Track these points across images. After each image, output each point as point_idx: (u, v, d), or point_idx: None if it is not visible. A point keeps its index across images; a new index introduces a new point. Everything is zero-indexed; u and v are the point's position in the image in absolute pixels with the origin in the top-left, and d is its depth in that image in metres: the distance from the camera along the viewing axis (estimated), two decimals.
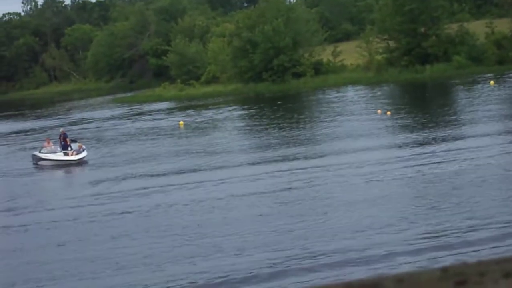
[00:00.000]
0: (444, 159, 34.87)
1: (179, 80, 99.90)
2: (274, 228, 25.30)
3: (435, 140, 40.65)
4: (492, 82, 68.66)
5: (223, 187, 33.44)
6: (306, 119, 58.74)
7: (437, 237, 22.60)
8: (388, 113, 54.98)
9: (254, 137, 51.22)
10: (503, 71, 76.20)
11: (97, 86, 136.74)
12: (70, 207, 32.30)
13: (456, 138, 40.97)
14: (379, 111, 56.70)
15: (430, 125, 46.90)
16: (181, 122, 63.22)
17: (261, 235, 24.61)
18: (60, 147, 47.39)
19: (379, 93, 74.45)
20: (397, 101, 67.76)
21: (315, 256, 21.75)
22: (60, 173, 44.82)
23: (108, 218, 29.56)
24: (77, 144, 47.62)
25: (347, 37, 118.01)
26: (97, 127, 68.03)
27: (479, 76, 75.68)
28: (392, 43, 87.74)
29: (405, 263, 20.04)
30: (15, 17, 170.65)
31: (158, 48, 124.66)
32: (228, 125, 60.55)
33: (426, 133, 43.87)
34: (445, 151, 37.00)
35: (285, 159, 39.38)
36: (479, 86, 68.98)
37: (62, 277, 22.43)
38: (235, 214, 28.10)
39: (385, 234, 23.36)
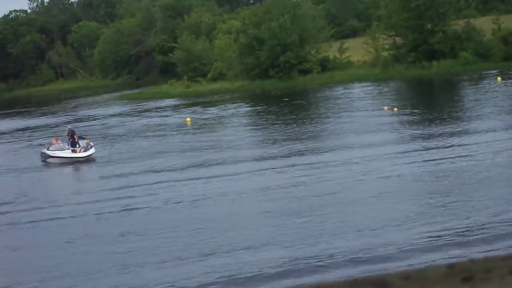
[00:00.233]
0: (455, 154, 34.81)
1: (185, 77, 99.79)
2: (284, 224, 25.31)
3: (442, 136, 40.60)
4: (499, 78, 68.44)
5: (229, 183, 33.50)
6: (313, 116, 58.66)
7: (459, 234, 22.38)
8: (395, 109, 54.88)
9: (261, 133, 51.20)
10: (510, 67, 75.93)
11: (104, 83, 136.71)
12: (77, 204, 32.34)
13: (464, 133, 40.94)
14: (385, 107, 56.62)
15: (436, 121, 46.80)
16: (188, 119, 63.17)
17: (267, 231, 24.65)
18: (68, 144, 47.34)
19: (385, 89, 74.26)
20: (404, 98, 67.66)
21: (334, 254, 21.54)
22: (68, 170, 44.87)
23: (116, 215, 29.62)
24: (85, 141, 47.59)
25: (353, 33, 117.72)
26: (104, 124, 68.02)
27: (485, 72, 75.47)
28: (398, 40, 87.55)
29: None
30: (22, 15, 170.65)
31: (164, 45, 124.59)
32: (235, 122, 60.51)
33: (433, 129, 43.79)
34: (454, 146, 36.97)
35: (293, 154, 39.39)
36: (486, 82, 68.79)
37: (70, 275, 22.48)
38: (241, 210, 28.16)
39: (402, 231, 23.26)
